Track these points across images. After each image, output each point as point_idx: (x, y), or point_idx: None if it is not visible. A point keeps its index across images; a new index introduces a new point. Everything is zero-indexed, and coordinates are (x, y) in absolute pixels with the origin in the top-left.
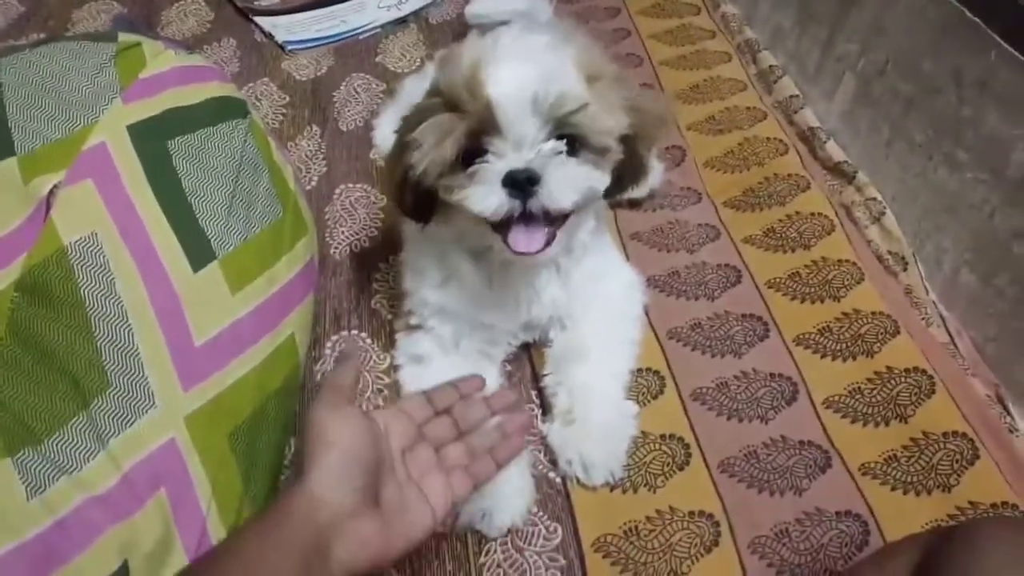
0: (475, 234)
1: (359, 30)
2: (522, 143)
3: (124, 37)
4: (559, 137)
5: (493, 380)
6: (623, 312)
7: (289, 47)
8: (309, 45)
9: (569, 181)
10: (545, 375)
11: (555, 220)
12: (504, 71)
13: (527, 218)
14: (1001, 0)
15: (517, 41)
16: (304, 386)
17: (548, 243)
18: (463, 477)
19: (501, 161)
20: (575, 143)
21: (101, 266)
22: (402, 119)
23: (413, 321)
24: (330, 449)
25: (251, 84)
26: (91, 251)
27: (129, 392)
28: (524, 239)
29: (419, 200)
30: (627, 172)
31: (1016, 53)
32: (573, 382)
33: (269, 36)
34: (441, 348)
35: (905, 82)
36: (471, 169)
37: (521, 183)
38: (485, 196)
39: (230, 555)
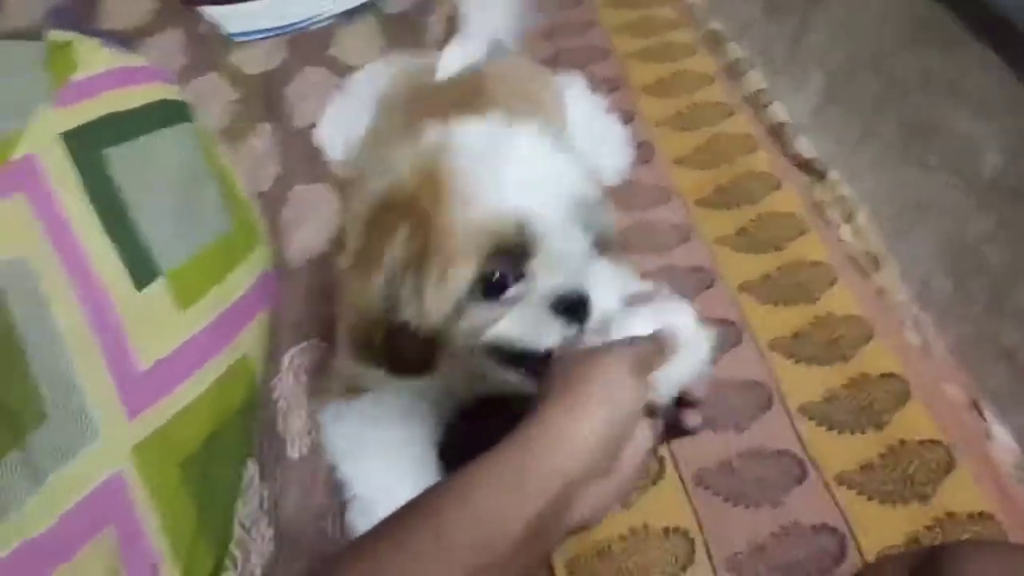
0: (476, 377)
1: (311, 21)
2: (565, 259)
3: (55, 35)
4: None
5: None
6: None
7: (237, 38)
8: (259, 36)
9: (612, 288)
10: None
11: None
12: (526, 180)
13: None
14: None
15: (514, 137)
16: (262, 405)
17: None
18: None
19: (541, 282)
20: (596, 243)
21: (34, 289)
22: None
23: (357, 384)
24: (612, 403)
25: (199, 79)
26: (23, 273)
27: (68, 424)
28: None
29: (419, 350)
30: None
31: (985, 54)
32: None
33: (216, 27)
34: (391, 412)
35: (875, 79)
36: (507, 296)
37: (575, 306)
38: (536, 329)
39: (458, 503)
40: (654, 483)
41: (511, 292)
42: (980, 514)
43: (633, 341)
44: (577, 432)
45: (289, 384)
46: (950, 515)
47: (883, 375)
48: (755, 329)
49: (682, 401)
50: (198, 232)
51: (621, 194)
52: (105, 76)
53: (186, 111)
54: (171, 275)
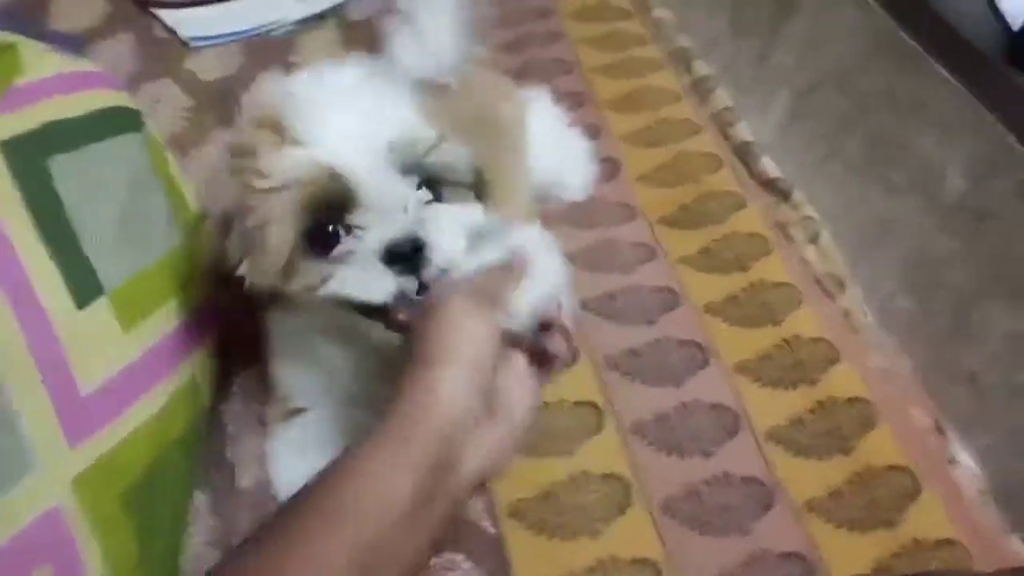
0: (336, 317)
1: (271, 26)
2: (388, 206)
3: None
4: (420, 185)
5: None
6: None
7: (193, 43)
8: (216, 41)
9: (455, 228)
10: None
11: None
12: (337, 125)
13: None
14: (934, 21)
15: (331, 80)
16: (210, 431)
17: None
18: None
19: (369, 233)
20: (436, 186)
21: None
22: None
23: (293, 404)
24: (464, 349)
25: (150, 84)
26: None
27: (5, 453)
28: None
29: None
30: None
31: (948, 75)
32: None
33: (171, 31)
34: (331, 431)
35: (840, 98)
36: (336, 252)
37: (408, 255)
38: (366, 283)
39: (341, 480)
40: (621, 512)
41: (340, 247)
42: (947, 540)
43: (477, 272)
44: (437, 386)
45: (238, 409)
46: (917, 542)
47: (850, 399)
48: (721, 351)
49: (543, 327)
50: (144, 247)
51: (584, 211)
52: (51, 81)
53: (136, 119)
54: (115, 293)
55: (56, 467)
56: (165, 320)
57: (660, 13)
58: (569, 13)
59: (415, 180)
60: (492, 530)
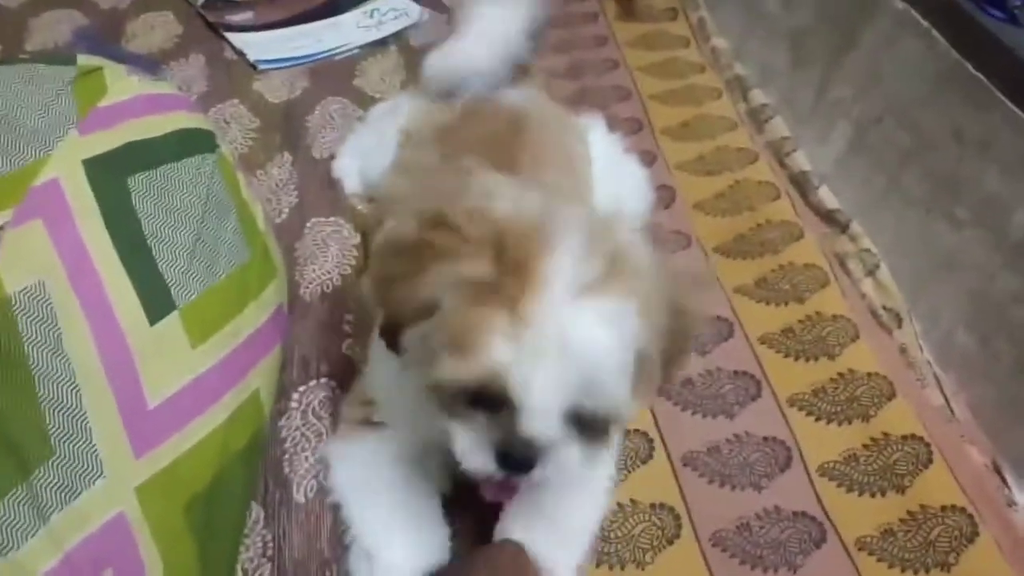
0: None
1: (335, 51)
2: (535, 432)
3: (84, 60)
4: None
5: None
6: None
7: (261, 66)
8: (282, 65)
9: (567, 467)
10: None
11: None
12: (543, 376)
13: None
14: (1004, 57)
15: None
16: (269, 445)
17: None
18: None
19: (502, 429)
20: (581, 428)
21: (48, 319)
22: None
23: (377, 417)
24: None
25: (219, 105)
26: (38, 302)
27: (75, 461)
28: (496, 491)
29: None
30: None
31: (1020, 113)
32: None
33: (240, 54)
34: (400, 454)
35: (901, 132)
36: (473, 406)
37: (517, 464)
38: (472, 451)
39: None
40: (670, 543)
41: (478, 411)
42: None
43: None
44: None
45: (297, 424)
46: None
47: (904, 436)
48: (775, 383)
49: None
50: (214, 265)
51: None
52: (130, 103)
53: (211, 140)
54: (185, 309)
55: (121, 476)
56: (230, 336)
57: (718, 42)
58: (627, 41)
59: (571, 427)
60: None
